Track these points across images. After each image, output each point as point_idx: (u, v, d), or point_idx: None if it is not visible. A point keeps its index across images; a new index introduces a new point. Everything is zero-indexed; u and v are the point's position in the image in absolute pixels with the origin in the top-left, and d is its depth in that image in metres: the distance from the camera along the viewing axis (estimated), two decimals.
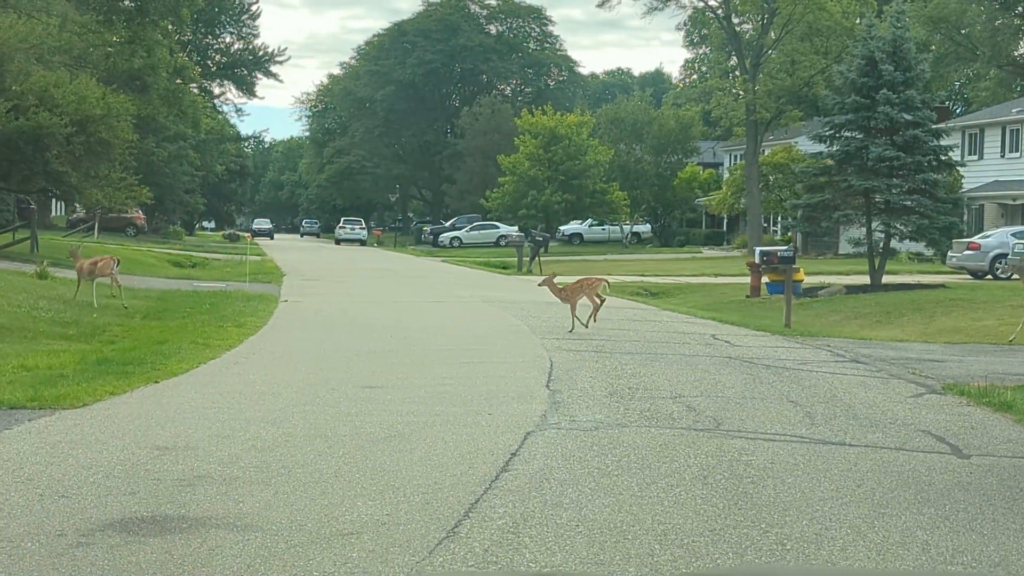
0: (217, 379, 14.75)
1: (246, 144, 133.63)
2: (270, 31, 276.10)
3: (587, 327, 21.64)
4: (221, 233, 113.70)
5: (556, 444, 10.58)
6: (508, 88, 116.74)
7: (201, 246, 75.53)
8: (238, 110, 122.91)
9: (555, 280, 23.00)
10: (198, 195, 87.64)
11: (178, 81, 59.65)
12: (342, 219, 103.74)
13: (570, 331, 21.31)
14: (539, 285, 23.72)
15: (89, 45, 49.99)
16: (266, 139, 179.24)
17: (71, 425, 11.06)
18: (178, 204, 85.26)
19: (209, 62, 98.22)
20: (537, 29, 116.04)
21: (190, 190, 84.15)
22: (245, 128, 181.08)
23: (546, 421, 11.80)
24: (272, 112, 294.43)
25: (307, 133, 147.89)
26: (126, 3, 49.86)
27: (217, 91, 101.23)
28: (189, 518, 7.78)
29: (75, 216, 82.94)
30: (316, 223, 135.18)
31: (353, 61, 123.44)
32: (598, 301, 22.05)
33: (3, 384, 13.92)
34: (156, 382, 14.26)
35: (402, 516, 7.94)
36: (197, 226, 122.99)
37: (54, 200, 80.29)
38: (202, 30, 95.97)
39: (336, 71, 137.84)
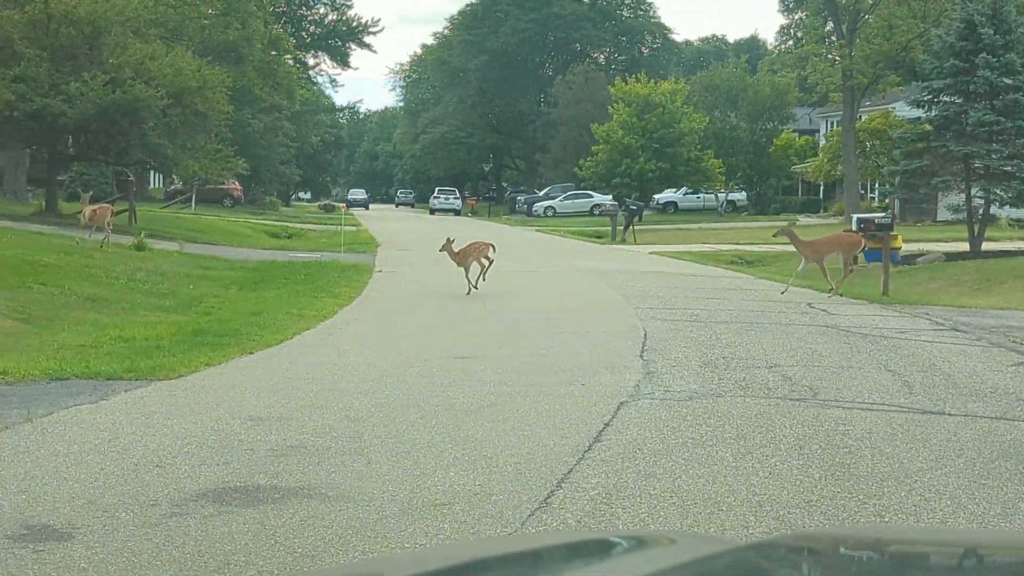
0: (311, 350, 14.81)
1: (341, 115, 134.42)
2: (366, 2, 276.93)
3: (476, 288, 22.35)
4: (316, 204, 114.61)
5: (649, 414, 10.47)
6: (601, 56, 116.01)
7: (297, 217, 76.13)
8: (332, 81, 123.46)
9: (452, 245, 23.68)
10: (293, 166, 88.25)
11: (273, 53, 59.97)
12: (436, 189, 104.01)
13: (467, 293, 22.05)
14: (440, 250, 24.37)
15: (184, 18, 50.41)
16: (360, 110, 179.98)
17: (166, 396, 11.14)
18: (274, 175, 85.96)
19: (303, 33, 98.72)
20: None
21: (285, 161, 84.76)
22: (339, 99, 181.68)
23: (640, 391, 11.68)
24: (366, 83, 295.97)
25: (401, 103, 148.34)
26: None
27: (312, 62, 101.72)
28: (281, 488, 7.78)
29: (173, 188, 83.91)
30: (411, 193, 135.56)
31: (447, 31, 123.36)
32: (486, 263, 23.25)
33: (101, 355, 14.08)
34: (251, 353, 14.34)
35: (494, 487, 7.88)
36: (293, 197, 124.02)
37: (152, 172, 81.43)
38: (296, 1, 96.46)
39: (430, 41, 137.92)
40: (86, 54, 36.52)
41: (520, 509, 7.37)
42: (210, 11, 50.83)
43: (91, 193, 36.53)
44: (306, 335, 16.43)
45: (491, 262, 23.52)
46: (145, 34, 40.98)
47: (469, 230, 61.36)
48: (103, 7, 36.35)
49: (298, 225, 58.60)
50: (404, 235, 54.10)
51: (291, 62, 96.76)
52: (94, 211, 30.30)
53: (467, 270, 23.13)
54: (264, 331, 16.42)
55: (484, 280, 23.08)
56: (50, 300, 19.88)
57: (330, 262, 30.14)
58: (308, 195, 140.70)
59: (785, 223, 25.51)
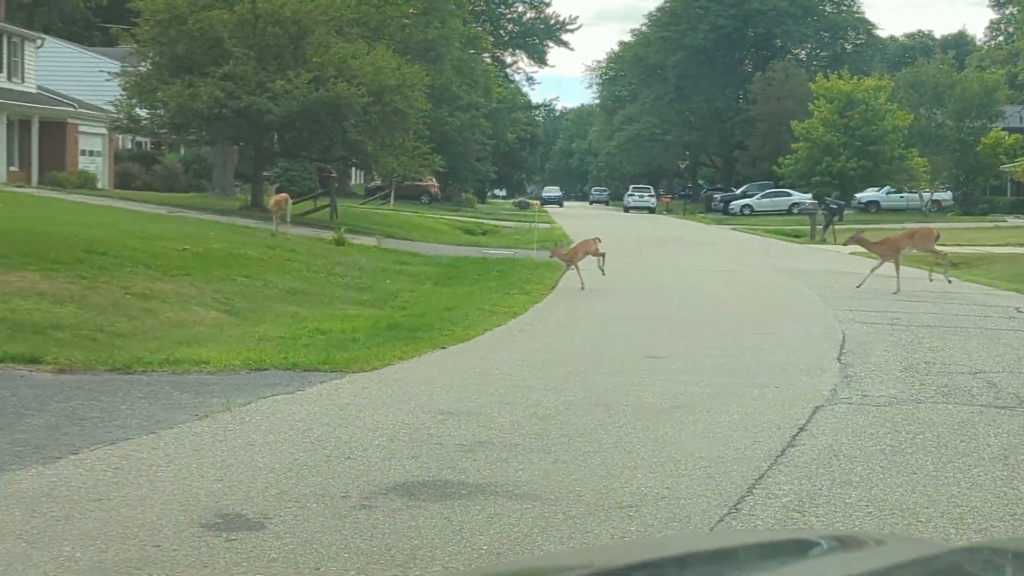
0: (501, 346, 14.85)
1: (537, 112, 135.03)
2: (567, 0, 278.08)
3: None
4: (512, 201, 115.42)
5: (846, 419, 10.19)
6: (803, 52, 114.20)
7: (492, 214, 76.70)
8: (529, 79, 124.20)
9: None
10: (489, 163, 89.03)
11: (471, 51, 60.54)
12: (631, 186, 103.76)
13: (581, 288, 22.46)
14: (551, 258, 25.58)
15: (386, 17, 51.21)
16: (556, 107, 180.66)
17: (360, 388, 11.27)
18: (470, 172, 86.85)
19: (501, 31, 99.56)
20: None
21: (481, 158, 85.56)
22: (535, 97, 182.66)
23: (836, 395, 11.39)
24: (562, 80, 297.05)
25: (597, 101, 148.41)
26: None
27: (509, 60, 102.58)
28: (469, 484, 7.78)
29: (373, 184, 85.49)
30: (605, 191, 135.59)
31: (644, 28, 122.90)
32: (599, 259, 24.06)
33: (299, 347, 14.36)
34: (443, 348, 14.44)
35: (683, 490, 7.75)
36: (488, 194, 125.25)
37: (353, 169, 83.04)
38: (495, 0, 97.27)
39: (628, 38, 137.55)
40: (291, 53, 37.36)
41: (709, 514, 7.23)
42: (411, 10, 51.46)
43: (276, 185, 37.26)
44: (497, 331, 16.49)
45: (603, 256, 24.14)
46: (347, 33, 41.72)
47: (663, 228, 61.19)
48: (308, 7, 37.14)
49: (492, 222, 59.03)
50: (597, 232, 54.06)
51: (489, 60, 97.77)
52: (275, 201, 31.15)
53: (578, 269, 23.63)
54: (456, 326, 16.53)
55: (604, 274, 23.66)
56: (253, 292, 20.37)
57: (522, 259, 30.26)
58: (503, 192, 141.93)
59: (855, 232, 25.77)
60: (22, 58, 54.72)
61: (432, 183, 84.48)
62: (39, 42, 56.92)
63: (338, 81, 35.84)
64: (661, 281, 25.65)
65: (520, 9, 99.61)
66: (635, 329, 16.71)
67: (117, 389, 10.60)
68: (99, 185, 55.18)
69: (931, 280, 24.19)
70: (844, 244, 28.09)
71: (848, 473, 8.27)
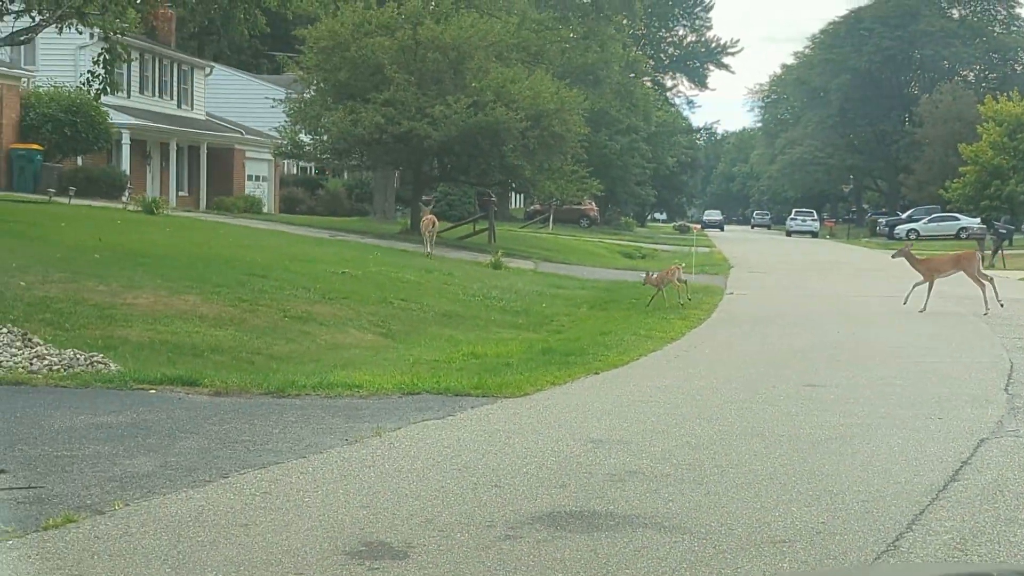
0: (656, 372, 14.65)
1: (697, 136, 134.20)
2: (729, 23, 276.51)
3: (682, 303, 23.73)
4: (672, 224, 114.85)
5: (1013, 453, 9.78)
6: (971, 74, 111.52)
7: (651, 237, 76.37)
8: (689, 102, 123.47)
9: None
10: (649, 187, 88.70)
11: (630, 75, 60.41)
12: (793, 210, 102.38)
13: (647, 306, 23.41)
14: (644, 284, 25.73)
15: (546, 42, 51.46)
16: (717, 130, 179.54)
17: (510, 414, 11.19)
18: (629, 196, 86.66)
19: (662, 55, 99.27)
20: (1004, 12, 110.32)
21: (641, 182, 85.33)
22: (696, 120, 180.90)
23: (1003, 427, 10.96)
24: (724, 103, 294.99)
25: (759, 124, 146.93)
26: (582, 0, 50.86)
27: (669, 83, 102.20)
28: (617, 515, 7.62)
29: (532, 208, 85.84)
30: (767, 215, 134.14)
31: (807, 50, 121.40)
32: (681, 284, 25.06)
33: (452, 371, 14.36)
34: (596, 373, 14.30)
35: (839, 525, 7.48)
36: (649, 217, 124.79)
37: (512, 193, 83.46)
38: (655, 24, 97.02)
39: (790, 61, 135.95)
40: (451, 78, 37.69)
41: (866, 550, 6.96)
42: (571, 35, 51.57)
43: (431, 207, 37.57)
44: (652, 356, 16.30)
45: (685, 283, 25.26)
46: (507, 58, 41.99)
47: (824, 252, 60.16)
48: (467, 32, 37.44)
49: (651, 246, 58.74)
50: (757, 257, 53.44)
51: (649, 84, 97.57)
52: (425, 222, 31.58)
53: (663, 291, 24.52)
54: (611, 351, 16.38)
55: (689, 299, 24.63)
56: (409, 315, 20.48)
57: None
58: (664, 216, 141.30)
59: (904, 246, 25.94)
60: (192, 86, 56.27)
61: (591, 207, 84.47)
62: (208, 70, 58.49)
63: (496, 106, 36.04)
64: (820, 308, 25.14)
65: (681, 32, 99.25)
66: (793, 357, 16.36)
67: (270, 412, 10.68)
68: (264, 209, 56.36)
69: (1000, 305, 23.56)
70: (892, 257, 28.33)
71: (1014, 510, 7.92)
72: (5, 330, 12.97)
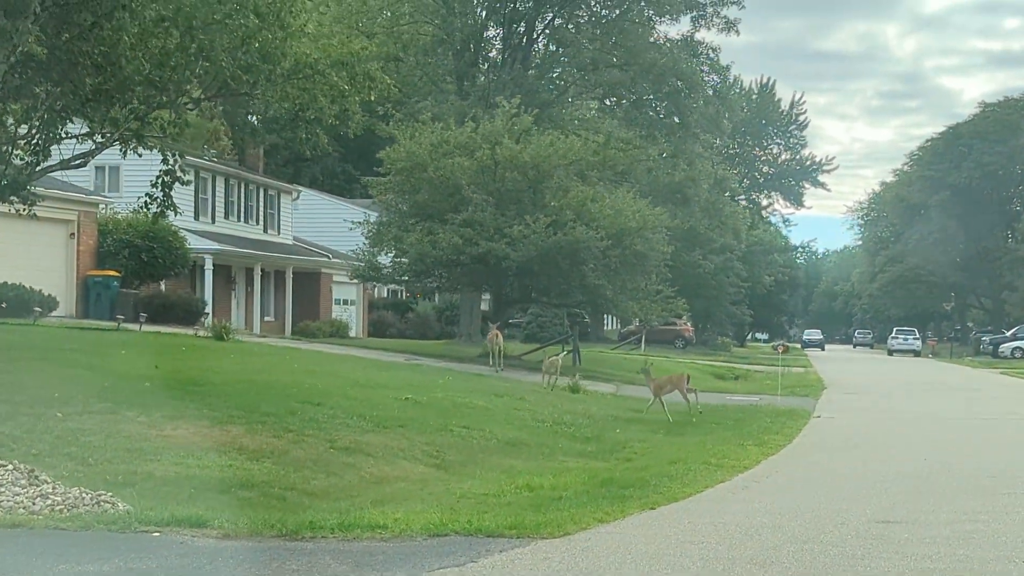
0: (718, 507, 13.51)
1: (795, 254, 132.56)
2: (828, 142, 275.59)
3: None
4: (771, 345, 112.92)
5: None
6: None
7: (748, 358, 74.62)
8: (785, 220, 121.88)
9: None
10: (744, 306, 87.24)
11: (725, 193, 59.48)
12: (894, 329, 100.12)
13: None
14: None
15: (632, 160, 50.83)
16: (817, 249, 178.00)
17: (540, 559, 10.12)
18: (725, 315, 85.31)
19: (756, 173, 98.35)
20: None
21: (736, 301, 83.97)
22: (794, 238, 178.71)
23: None
24: (822, 221, 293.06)
25: (859, 242, 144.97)
26: (667, 119, 50.24)
27: (765, 202, 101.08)
28: None
29: (626, 329, 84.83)
30: (869, 333, 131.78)
31: (906, 167, 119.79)
32: (688, 394, 27.18)
33: (500, 505, 13.38)
34: (652, 508, 13.20)
35: None
36: (749, 337, 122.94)
37: (605, 314, 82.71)
38: (749, 142, 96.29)
39: (889, 178, 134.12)
40: (529, 197, 37.07)
41: None
42: (660, 153, 50.86)
43: (499, 323, 36.64)
44: (719, 488, 15.16)
45: (694, 392, 27.31)
46: (589, 177, 41.35)
47: (926, 372, 58.22)
48: (547, 152, 36.86)
49: (746, 367, 57.21)
50: (854, 377, 51.84)
51: (743, 201, 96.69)
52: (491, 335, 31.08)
53: (663, 403, 26.14)
54: (674, 482, 15.26)
55: (700, 412, 26.17)
56: (468, 444, 19.49)
57: (765, 406, 28.67)
58: (765, 336, 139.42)
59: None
60: (278, 210, 56.34)
61: (686, 327, 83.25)
62: (295, 195, 58.62)
63: (576, 224, 35.28)
64: (911, 431, 23.79)
65: (775, 151, 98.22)
66: (870, 488, 15.10)
67: (272, 559, 9.73)
68: (352, 333, 55.95)
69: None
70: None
71: None
72: (11, 466, 12.21)
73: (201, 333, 30.98)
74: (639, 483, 15.21)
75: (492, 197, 36.48)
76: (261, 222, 54.97)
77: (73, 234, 37.31)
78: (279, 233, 56.08)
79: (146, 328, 32.58)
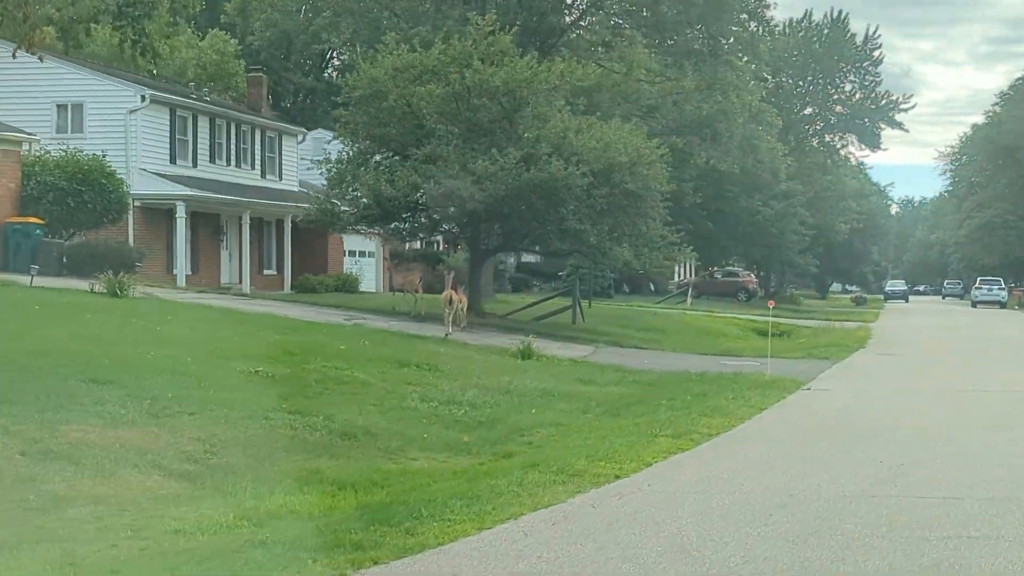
0: (510, 553, 8.51)
1: (876, 201, 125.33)
2: (932, 89, 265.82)
3: None
4: (849, 296, 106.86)
5: None
6: None
7: (813, 312, 68.51)
8: (860, 164, 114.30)
9: None
10: (810, 255, 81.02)
11: (758, 127, 53.46)
12: (978, 279, 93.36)
13: None
14: None
15: (663, 93, 45.46)
16: (898, 196, 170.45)
17: None
18: (786, 265, 79.44)
19: (829, 114, 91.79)
20: None
21: (802, 250, 77.86)
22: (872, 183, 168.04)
23: None
24: (908, 169, 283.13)
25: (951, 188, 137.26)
26: (697, 46, 44.57)
27: (838, 144, 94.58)
28: None
29: (684, 281, 79.31)
30: (959, 284, 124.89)
31: (997, 108, 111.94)
32: None
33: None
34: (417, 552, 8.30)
35: None
36: (841, 288, 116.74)
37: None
38: (820, 79, 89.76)
39: (980, 120, 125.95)
40: (503, 129, 31.81)
41: None
42: (692, 86, 45.17)
43: (453, 274, 31.60)
44: (553, 511, 10.21)
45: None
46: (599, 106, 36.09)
47: (1001, 326, 52.11)
48: (524, 75, 31.55)
49: (793, 322, 51.42)
50: (915, 333, 46.08)
51: (816, 144, 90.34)
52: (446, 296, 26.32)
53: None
54: (464, 510, 10.23)
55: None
56: (279, 436, 14.55)
57: (750, 375, 23.29)
58: (847, 287, 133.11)
59: None
60: (279, 154, 51.49)
61: (749, 278, 77.55)
62: (300, 137, 53.72)
63: (552, 159, 29.98)
64: (931, 412, 18.51)
65: (848, 89, 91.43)
66: (819, 515, 9.90)
67: None
68: (362, 288, 51.09)
69: None
70: None
71: None
72: None
73: (97, 288, 26.25)
74: (408, 511, 10.18)
75: (458, 129, 31.25)
76: (258, 167, 50.20)
77: None
78: (280, 179, 51.18)
79: (40, 281, 28.01)
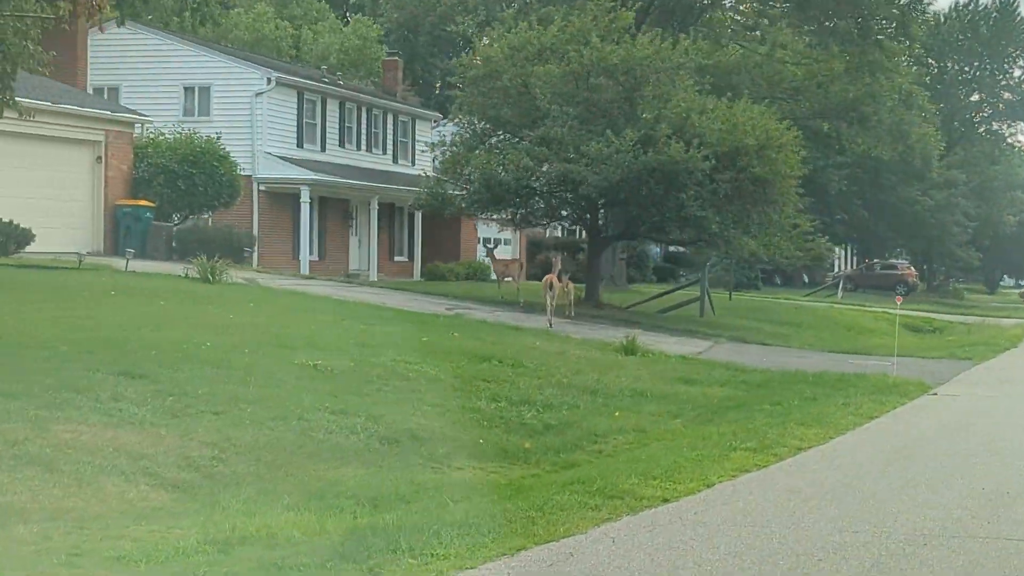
0: None
1: None
2: None
3: None
4: (1019, 291, 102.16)
5: None
6: None
7: (974, 308, 65.05)
8: None
9: None
10: (972, 248, 77.19)
11: (911, 111, 50.45)
12: None
13: None
14: None
15: (808, 76, 43.13)
16: None
17: None
18: (947, 258, 75.92)
19: (997, 100, 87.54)
20: None
21: (963, 243, 74.21)
22: None
23: None
24: None
25: None
26: (843, 25, 42.10)
27: (1006, 132, 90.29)
28: None
29: (839, 273, 76.54)
30: None
31: None
32: None
33: None
34: None
35: None
36: (1010, 283, 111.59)
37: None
38: (987, 66, 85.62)
39: None
40: (622, 110, 30.00)
41: None
42: (842, 68, 42.68)
43: (558, 259, 29.98)
44: (562, 544, 8.64)
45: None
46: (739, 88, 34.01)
47: None
48: (645, 52, 29.72)
49: (949, 318, 48.55)
50: None
51: (983, 132, 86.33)
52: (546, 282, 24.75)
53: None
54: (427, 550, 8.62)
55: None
56: (306, 441, 13.13)
57: (873, 376, 21.16)
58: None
59: None
60: (412, 139, 50.39)
61: (909, 271, 74.34)
62: (435, 121, 52.51)
63: (672, 141, 28.09)
64: None
65: (1017, 75, 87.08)
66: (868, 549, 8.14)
67: None
68: (493, 277, 49.70)
69: None
70: None
71: None
72: None
73: (191, 273, 25.26)
74: (389, 541, 8.63)
75: (574, 110, 29.47)
76: (390, 151, 49.13)
77: (100, 158, 32.08)
78: (413, 164, 49.97)
79: (141, 266, 27.22)
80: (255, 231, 40.19)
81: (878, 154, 50.04)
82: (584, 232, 36.06)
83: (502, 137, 31.47)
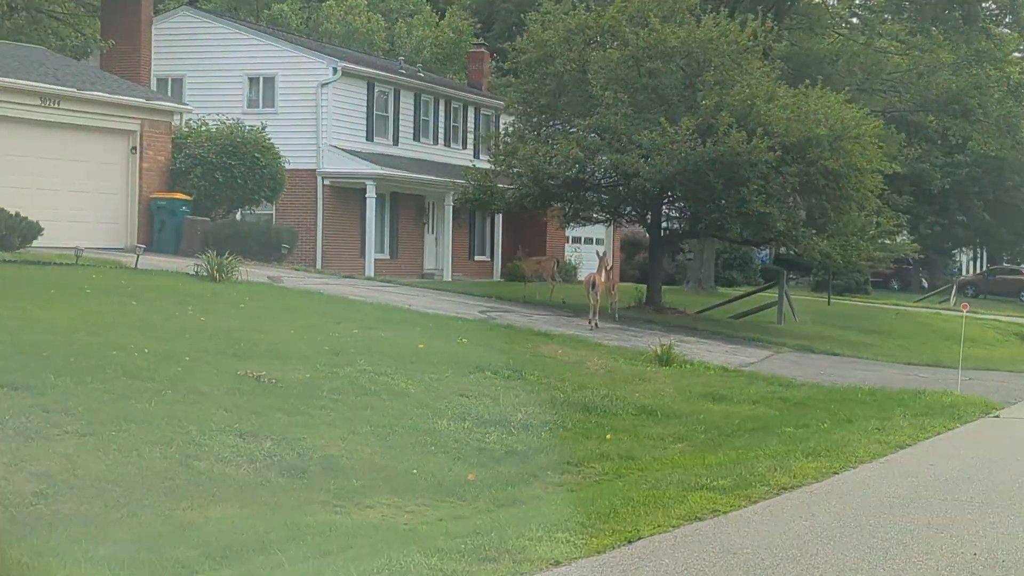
0: None
1: None
2: None
3: None
4: None
5: None
6: None
7: None
8: None
9: None
10: None
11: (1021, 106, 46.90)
12: None
13: None
14: None
15: (913, 66, 40.19)
16: None
17: None
18: None
19: None
20: None
21: None
22: None
23: None
24: None
25: None
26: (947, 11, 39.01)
27: None
28: None
29: (962, 278, 72.86)
30: None
31: None
32: None
33: None
34: None
35: None
36: None
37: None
38: None
39: None
40: (680, 96, 27.50)
41: None
42: (951, 58, 39.61)
43: (605, 256, 27.59)
44: None
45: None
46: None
47: None
48: (707, 34, 27.22)
49: None
50: None
51: None
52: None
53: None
54: None
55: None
56: (187, 473, 11.07)
57: (932, 393, 18.45)
58: None
59: None
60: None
61: None
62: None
63: (733, 130, 25.54)
64: None
65: None
66: None
67: None
68: (580, 277, 47.37)
69: None
70: None
71: None
72: None
73: (202, 272, 23.42)
74: None
75: (628, 96, 27.05)
76: (470, 146, 47.00)
77: (135, 148, 30.43)
78: None
79: (162, 263, 25.55)
80: (319, 228, 38.51)
81: (986, 149, 46.68)
82: (645, 230, 33.53)
83: (554, 127, 29.16)
